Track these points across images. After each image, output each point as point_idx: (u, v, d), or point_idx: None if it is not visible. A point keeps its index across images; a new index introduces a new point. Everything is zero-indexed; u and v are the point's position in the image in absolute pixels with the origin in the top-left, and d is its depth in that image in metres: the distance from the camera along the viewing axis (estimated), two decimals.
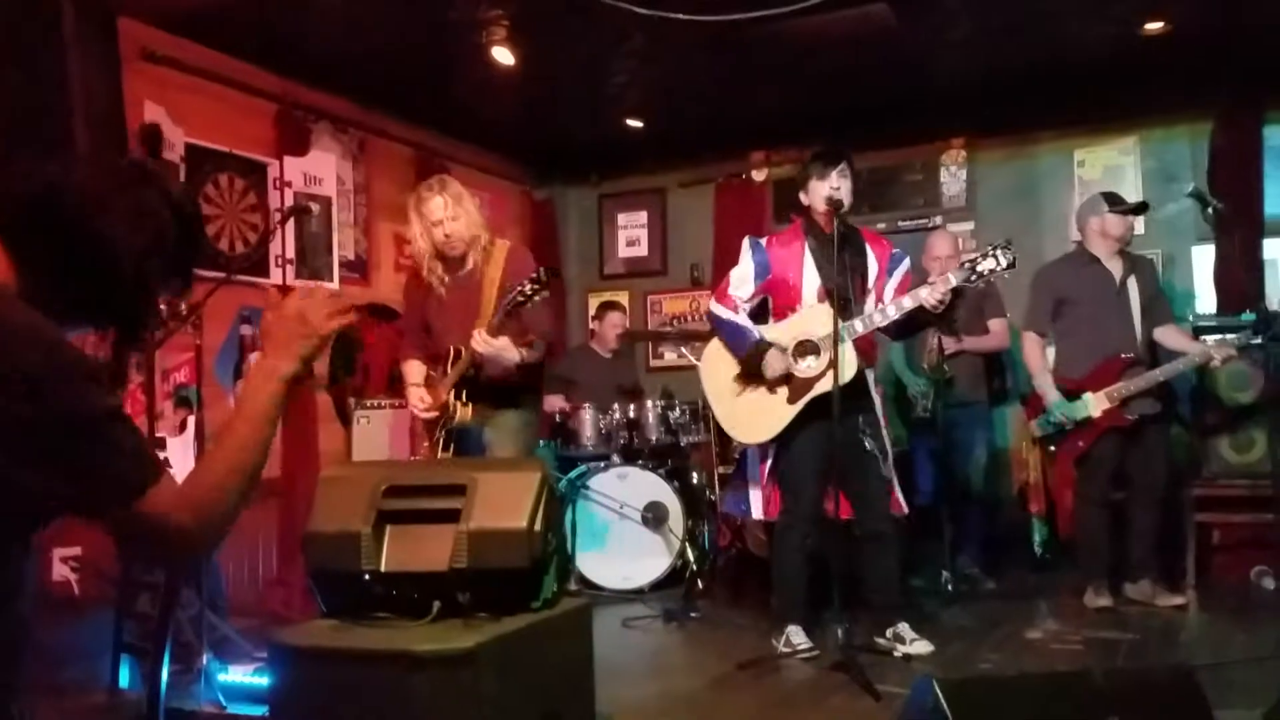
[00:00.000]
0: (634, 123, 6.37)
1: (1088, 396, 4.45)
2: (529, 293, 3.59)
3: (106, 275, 1.39)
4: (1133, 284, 4.56)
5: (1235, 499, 4.92)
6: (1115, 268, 4.57)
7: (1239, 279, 5.20)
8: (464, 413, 3.82)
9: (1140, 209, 4.70)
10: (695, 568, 5.17)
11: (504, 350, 3.70)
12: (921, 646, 3.71)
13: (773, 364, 3.78)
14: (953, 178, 6.45)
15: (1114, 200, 4.56)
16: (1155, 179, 5.96)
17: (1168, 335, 4.63)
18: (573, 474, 5.40)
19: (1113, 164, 6.09)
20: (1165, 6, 4.81)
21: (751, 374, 3.86)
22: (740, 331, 3.87)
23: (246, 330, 5.11)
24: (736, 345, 3.89)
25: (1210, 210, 3.98)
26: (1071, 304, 4.59)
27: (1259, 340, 4.05)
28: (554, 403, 5.69)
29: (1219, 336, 4.59)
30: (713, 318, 3.97)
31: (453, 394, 3.82)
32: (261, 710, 3.04)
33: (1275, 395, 4.13)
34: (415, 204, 3.91)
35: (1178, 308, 5.56)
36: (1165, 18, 4.92)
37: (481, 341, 3.65)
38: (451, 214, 3.84)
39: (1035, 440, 4.78)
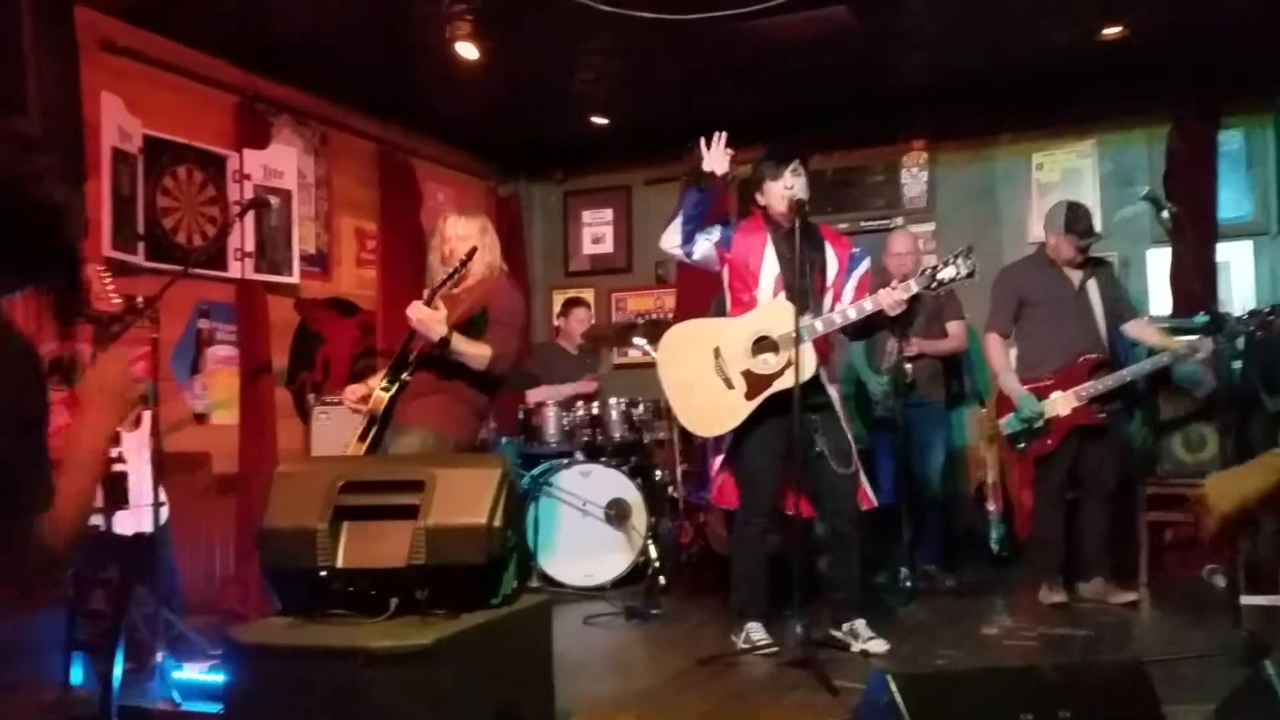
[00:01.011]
0: (599, 120, 6.37)
1: (1056, 395, 4.51)
2: (450, 274, 3.65)
3: (53, 237, 1.40)
4: (1093, 286, 4.62)
5: (1187, 498, 4.99)
6: (1074, 272, 4.63)
7: (1193, 281, 5.29)
8: (378, 397, 3.72)
9: (1092, 239, 4.66)
10: (657, 565, 5.18)
11: (430, 320, 3.58)
12: (877, 644, 3.74)
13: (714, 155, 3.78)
14: (914, 179, 6.51)
15: (1072, 223, 4.56)
16: (1112, 182, 6.04)
17: (1142, 331, 4.68)
18: (536, 471, 5.39)
19: (1071, 167, 6.17)
20: (1123, 12, 4.88)
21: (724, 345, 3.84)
22: (682, 205, 3.88)
23: (203, 324, 5.06)
24: (682, 209, 3.88)
25: (1165, 213, 4.06)
26: (1033, 305, 4.65)
27: (1211, 341, 4.13)
28: (535, 395, 5.70)
29: (1188, 338, 4.65)
30: (665, 241, 3.95)
31: (381, 381, 3.77)
32: (216, 708, 3.01)
33: (1226, 395, 4.20)
34: (439, 220, 4.01)
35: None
36: (1123, 23, 5.00)
37: (413, 307, 3.60)
38: (461, 233, 3.85)
39: (993, 439, 4.82)
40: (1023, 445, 4.66)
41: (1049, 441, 4.55)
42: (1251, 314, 4.24)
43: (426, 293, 3.65)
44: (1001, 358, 4.70)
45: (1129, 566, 4.97)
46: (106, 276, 3.67)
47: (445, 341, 3.61)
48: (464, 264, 3.68)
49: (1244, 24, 4.94)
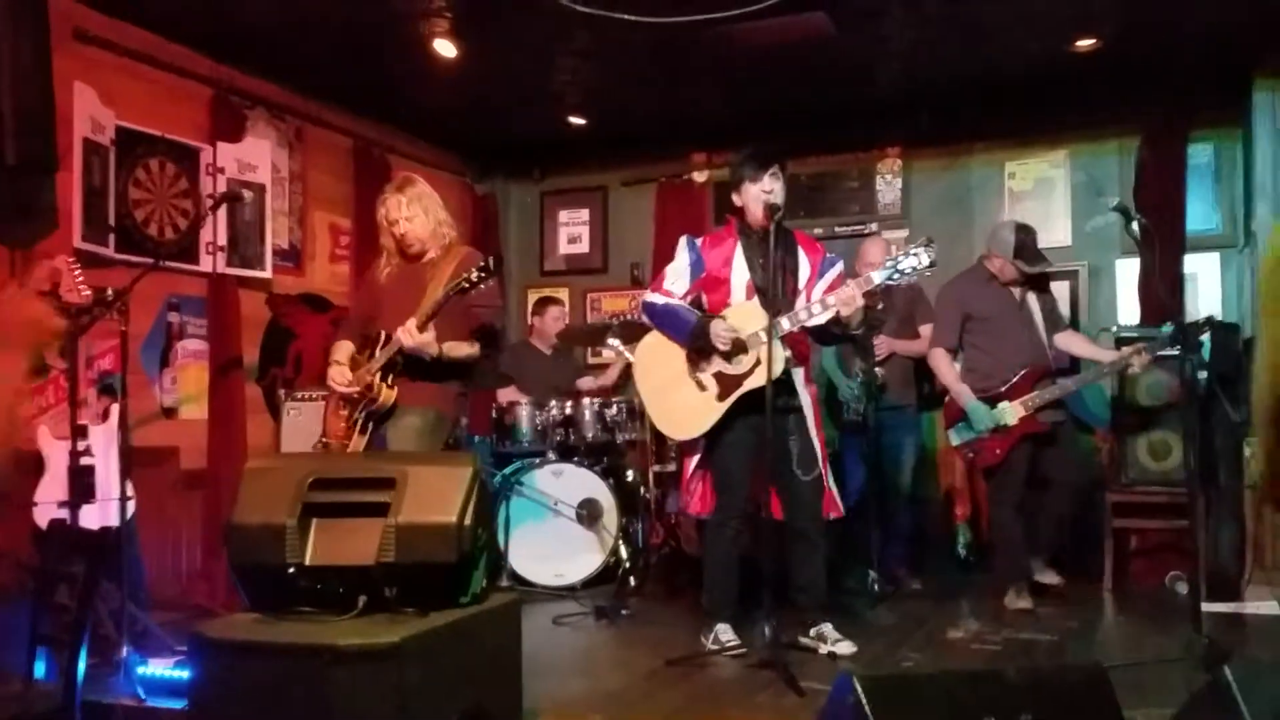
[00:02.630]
0: (577, 120, 6.37)
1: (1004, 405, 4.56)
2: (474, 279, 3.59)
3: None
4: (1032, 299, 4.69)
5: (1152, 505, 5.06)
6: (1016, 289, 4.67)
7: (1160, 292, 5.35)
8: (388, 394, 3.78)
9: (1040, 265, 4.66)
10: (628, 565, 5.19)
11: (424, 346, 3.69)
12: (844, 647, 3.76)
13: (719, 332, 3.76)
14: (888, 186, 6.56)
15: (1021, 249, 4.58)
16: (1083, 192, 6.11)
17: (1071, 342, 4.75)
18: (508, 470, 5.39)
19: (1043, 177, 6.23)
20: (1096, 24, 4.94)
21: (700, 356, 3.84)
22: (677, 313, 3.88)
23: (174, 318, 5.02)
24: (677, 329, 3.87)
25: (1134, 224, 4.10)
26: (977, 319, 4.71)
27: (1175, 351, 4.17)
28: (505, 395, 5.69)
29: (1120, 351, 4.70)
30: (648, 307, 3.97)
31: (378, 376, 3.79)
32: (181, 704, 2.99)
33: (1190, 403, 4.26)
34: (379, 204, 3.96)
35: (1101, 319, 5.71)
36: (1096, 35, 5.06)
37: (406, 333, 3.65)
38: (407, 214, 3.86)
39: (955, 447, 4.87)
40: (971, 455, 4.72)
41: (997, 451, 4.60)
42: (1183, 327, 4.20)
43: (417, 319, 3.65)
44: (950, 371, 4.77)
45: (1093, 571, 5.04)
46: (76, 268, 3.64)
47: (438, 357, 3.73)
48: (482, 280, 3.60)
49: (1215, 39, 5.02)
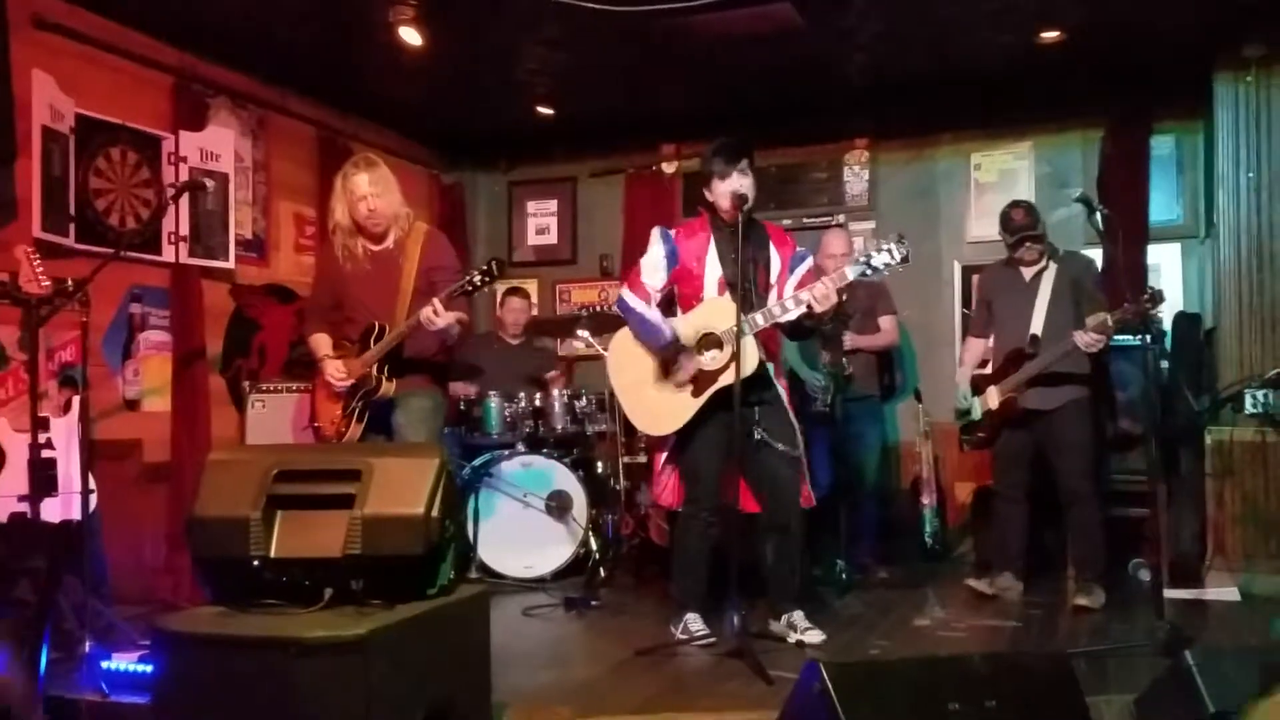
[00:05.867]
0: (545, 110, 6.34)
1: (990, 390, 4.60)
2: (478, 283, 3.70)
3: None
4: (1046, 279, 4.58)
5: (1114, 494, 5.13)
6: (1029, 268, 4.64)
7: (1123, 283, 5.38)
8: (389, 386, 3.88)
9: (1019, 239, 4.60)
10: (598, 556, 5.19)
11: (451, 325, 3.79)
12: (814, 635, 3.79)
13: (684, 367, 3.84)
14: (856, 177, 6.58)
15: (1004, 224, 4.63)
16: (1047, 184, 6.16)
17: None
18: (477, 461, 5.37)
19: (1008, 168, 6.28)
20: (1061, 17, 4.98)
21: (662, 366, 3.90)
22: (653, 328, 3.88)
23: (136, 309, 4.96)
24: (649, 339, 3.91)
25: (1097, 216, 4.14)
26: (997, 305, 4.75)
27: (1138, 341, 4.20)
28: (459, 389, 5.65)
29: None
30: (624, 306, 3.96)
31: (376, 368, 3.85)
32: (145, 699, 2.96)
33: (1151, 392, 4.30)
34: (341, 178, 3.99)
35: None
36: (1060, 28, 5.10)
37: (440, 315, 3.70)
38: (376, 190, 3.91)
39: (928, 433, 4.92)
40: (966, 438, 4.79)
41: (981, 434, 4.66)
42: (1145, 318, 4.17)
43: (441, 297, 3.72)
44: (966, 355, 4.85)
45: (1057, 560, 5.10)
46: (36, 258, 3.58)
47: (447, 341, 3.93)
48: (485, 284, 3.73)
49: (1178, 32, 5.07)
